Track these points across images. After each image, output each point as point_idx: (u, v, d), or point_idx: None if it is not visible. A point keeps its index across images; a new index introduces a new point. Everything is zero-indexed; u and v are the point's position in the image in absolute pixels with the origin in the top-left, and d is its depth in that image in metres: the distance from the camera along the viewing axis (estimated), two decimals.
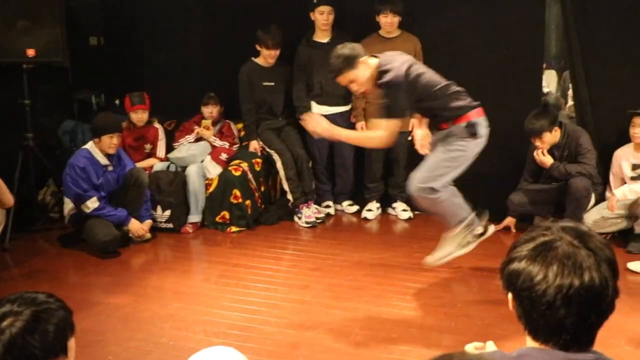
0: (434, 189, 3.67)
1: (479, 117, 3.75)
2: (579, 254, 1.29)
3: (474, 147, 3.72)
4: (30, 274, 4.38)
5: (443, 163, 3.72)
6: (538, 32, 5.29)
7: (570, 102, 6.46)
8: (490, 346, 1.73)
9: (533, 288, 1.29)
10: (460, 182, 5.54)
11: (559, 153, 4.83)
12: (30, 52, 5.08)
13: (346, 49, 3.68)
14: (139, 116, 5.45)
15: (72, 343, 1.74)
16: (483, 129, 3.76)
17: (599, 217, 4.78)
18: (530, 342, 1.37)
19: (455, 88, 3.79)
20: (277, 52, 5.49)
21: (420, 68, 3.76)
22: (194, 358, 1.54)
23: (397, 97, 3.59)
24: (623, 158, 4.89)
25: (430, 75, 3.76)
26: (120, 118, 5.21)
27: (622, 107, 4.90)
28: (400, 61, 3.69)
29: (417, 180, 3.71)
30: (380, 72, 3.65)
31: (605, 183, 5.01)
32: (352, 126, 5.56)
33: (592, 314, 1.28)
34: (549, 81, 7.64)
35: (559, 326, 1.28)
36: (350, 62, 3.63)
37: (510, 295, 1.38)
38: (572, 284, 1.26)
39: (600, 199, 4.94)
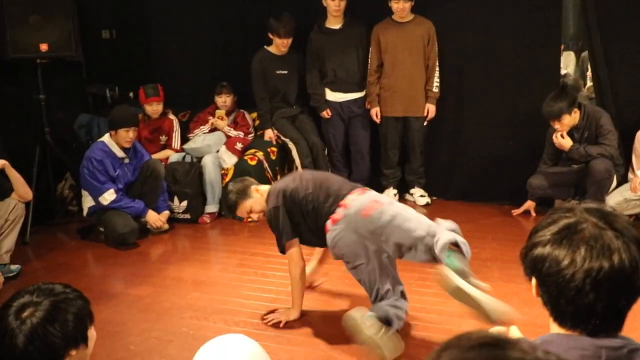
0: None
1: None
2: (606, 235, 1.24)
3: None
4: (50, 267, 4.41)
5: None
6: (555, 12, 5.19)
7: (589, 83, 6.36)
8: (514, 331, 1.69)
9: (560, 273, 1.24)
10: (478, 166, 5.53)
11: (578, 135, 4.75)
12: (43, 47, 5.09)
13: (237, 183, 3.56)
14: (154, 108, 5.45)
15: (92, 332, 1.74)
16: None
17: (621, 199, 4.71)
18: (555, 329, 1.31)
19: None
20: (290, 41, 5.46)
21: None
22: (206, 346, 1.53)
23: (279, 221, 3.32)
24: None
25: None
26: (136, 111, 5.21)
27: None
28: (283, 182, 3.49)
29: None
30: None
31: (628, 164, 4.93)
32: (366, 112, 5.53)
33: (622, 297, 1.24)
34: (568, 63, 7.54)
35: (588, 311, 1.24)
36: (242, 193, 3.47)
37: (534, 281, 1.33)
38: (601, 267, 1.21)
39: (622, 180, 4.87)
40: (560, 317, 1.29)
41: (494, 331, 1.69)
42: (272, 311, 3.47)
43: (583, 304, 1.23)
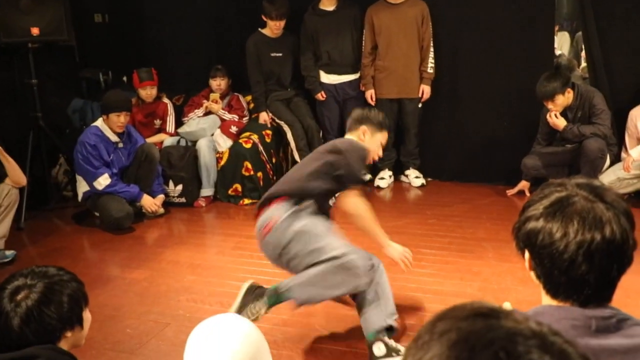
0: None
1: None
2: (597, 207, 1.27)
3: None
4: (46, 253, 4.41)
5: None
6: None
7: (584, 64, 6.36)
8: (507, 307, 1.70)
9: (553, 245, 1.27)
10: (473, 147, 5.54)
11: (572, 115, 4.76)
12: (35, 31, 5.05)
13: None
14: (148, 92, 5.43)
15: (87, 314, 1.75)
16: None
17: (614, 178, 4.73)
18: (547, 301, 1.34)
19: None
20: (283, 23, 5.43)
21: None
22: (200, 326, 1.54)
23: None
24: (638, 117, 4.81)
25: None
26: (129, 95, 5.19)
27: (636, 65, 4.83)
28: None
29: None
30: None
31: (621, 143, 4.95)
32: (361, 94, 5.51)
33: (613, 267, 1.27)
34: (562, 43, 7.53)
35: (581, 282, 1.27)
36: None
37: (527, 255, 1.35)
38: (593, 239, 1.24)
39: (616, 159, 4.88)
40: (553, 289, 1.32)
41: (489, 303, 1.71)
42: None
43: (576, 274, 1.26)
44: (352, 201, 2.96)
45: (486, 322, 0.72)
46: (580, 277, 1.26)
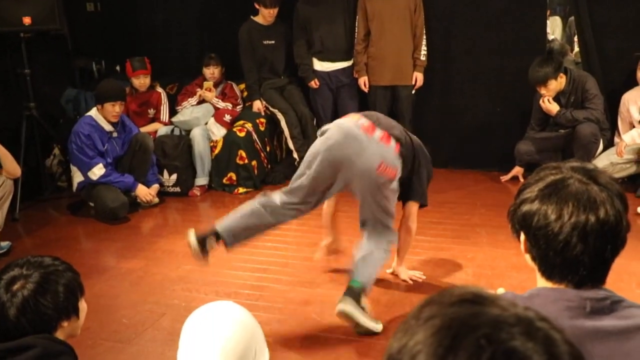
0: None
1: None
2: (591, 189, 1.29)
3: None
4: (42, 244, 4.41)
5: None
6: None
7: (577, 49, 6.36)
8: (502, 292, 1.72)
9: (549, 226, 1.29)
10: (467, 133, 5.55)
11: (565, 100, 4.77)
12: (27, 20, 5.01)
13: None
14: (141, 81, 5.41)
15: (82, 304, 1.76)
16: None
17: (607, 162, 4.75)
18: (542, 283, 1.36)
19: None
20: (275, 11, 5.41)
21: None
22: (195, 313, 1.55)
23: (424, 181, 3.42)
24: (631, 102, 4.83)
25: None
26: (122, 84, 5.18)
27: (629, 50, 4.83)
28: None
29: None
30: None
31: (614, 128, 4.97)
32: (354, 81, 5.51)
33: (607, 249, 1.29)
34: (554, 28, 7.52)
35: (576, 262, 1.29)
36: None
37: (522, 237, 1.37)
38: (588, 220, 1.26)
39: (609, 144, 4.91)
40: (548, 270, 1.34)
41: (476, 288, 1.73)
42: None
43: (571, 255, 1.28)
44: (414, 219, 3.38)
45: (472, 308, 0.73)
46: (575, 257, 1.28)
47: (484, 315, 0.71)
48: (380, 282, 3.39)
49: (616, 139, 4.89)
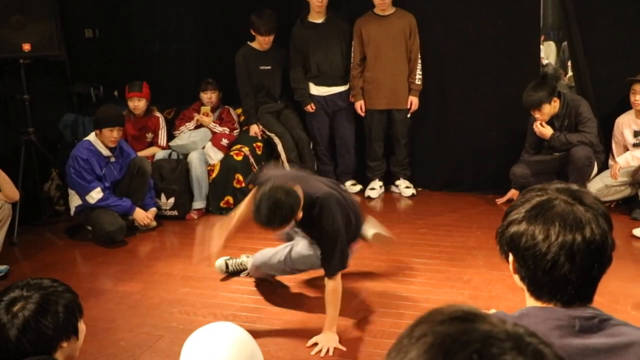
0: None
1: None
2: (577, 210, 1.32)
3: None
4: (39, 267, 4.41)
5: None
6: (533, 2, 5.26)
7: (570, 73, 6.44)
8: (493, 312, 1.74)
9: (536, 247, 1.31)
10: (462, 157, 5.59)
11: (558, 123, 4.82)
12: (26, 47, 5.07)
13: (279, 189, 2.88)
14: (135, 104, 5.44)
15: (82, 325, 1.78)
16: None
17: (602, 185, 4.79)
18: (531, 302, 1.38)
19: None
20: (271, 38, 5.48)
21: None
22: (194, 334, 1.57)
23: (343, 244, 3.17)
24: (625, 125, 4.88)
25: None
26: (120, 109, 5.22)
27: (622, 74, 4.89)
28: (319, 186, 3.20)
29: None
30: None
31: (607, 151, 5.01)
32: (351, 105, 5.56)
33: (594, 267, 1.32)
34: (548, 53, 7.62)
35: (564, 281, 1.31)
36: (296, 200, 2.92)
37: (511, 258, 1.40)
38: (574, 239, 1.29)
39: (603, 167, 4.94)
40: (537, 290, 1.36)
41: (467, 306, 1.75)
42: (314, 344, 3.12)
43: (559, 274, 1.31)
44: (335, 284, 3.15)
45: (462, 325, 0.74)
46: (563, 276, 1.30)
47: (474, 332, 0.73)
48: (371, 310, 3.39)
49: (610, 162, 4.94)
